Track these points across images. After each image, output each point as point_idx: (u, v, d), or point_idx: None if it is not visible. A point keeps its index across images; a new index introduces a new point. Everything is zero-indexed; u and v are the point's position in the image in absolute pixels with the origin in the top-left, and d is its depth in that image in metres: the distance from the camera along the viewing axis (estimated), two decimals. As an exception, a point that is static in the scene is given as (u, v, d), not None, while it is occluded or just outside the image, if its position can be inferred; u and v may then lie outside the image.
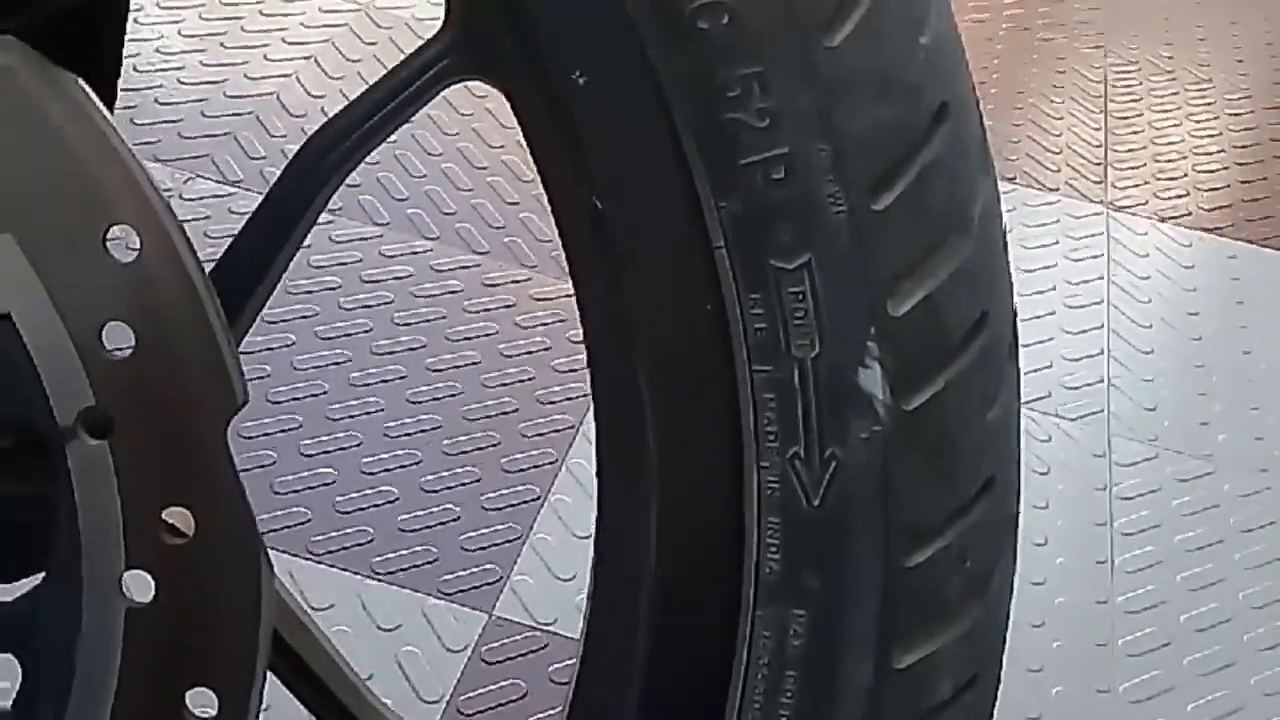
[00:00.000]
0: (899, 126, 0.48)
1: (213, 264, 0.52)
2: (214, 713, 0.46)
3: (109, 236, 0.44)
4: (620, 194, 0.50)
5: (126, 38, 0.68)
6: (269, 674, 0.48)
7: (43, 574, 0.45)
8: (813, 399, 0.49)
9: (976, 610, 0.51)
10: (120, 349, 0.44)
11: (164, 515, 0.45)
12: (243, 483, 0.45)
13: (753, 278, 0.48)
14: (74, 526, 0.44)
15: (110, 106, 0.69)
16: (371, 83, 0.52)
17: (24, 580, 0.46)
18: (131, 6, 0.70)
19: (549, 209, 0.53)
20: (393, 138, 1.83)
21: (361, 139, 0.53)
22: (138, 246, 0.44)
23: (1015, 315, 0.53)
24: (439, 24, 0.53)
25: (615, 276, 0.51)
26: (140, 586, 0.45)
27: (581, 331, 0.54)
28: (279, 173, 0.52)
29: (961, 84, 0.50)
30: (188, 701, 0.46)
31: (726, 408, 0.50)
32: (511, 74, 0.51)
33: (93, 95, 0.44)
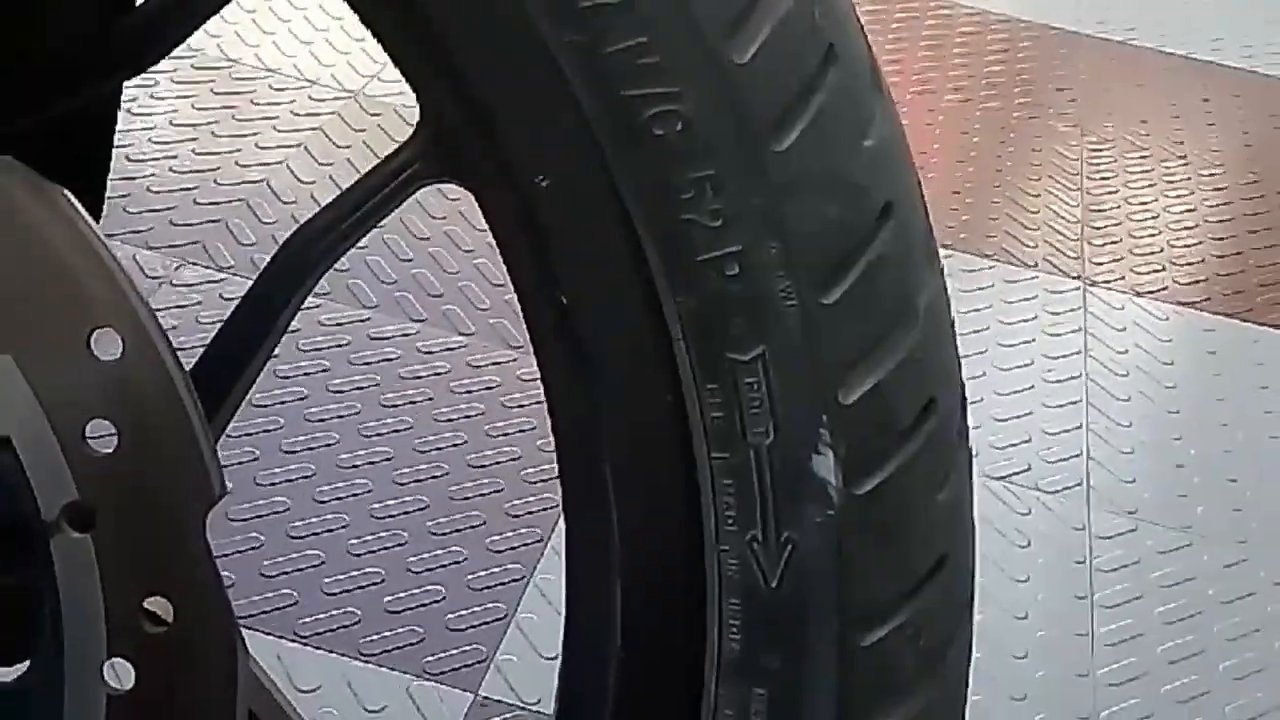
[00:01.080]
0: (845, 224, 0.50)
1: (196, 359, 0.54)
2: (192, 796, 0.47)
3: (93, 338, 0.46)
4: (584, 291, 0.52)
5: (114, 143, 0.70)
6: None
7: (26, 663, 0.47)
8: (769, 484, 0.51)
9: (932, 687, 0.53)
10: (103, 445, 0.46)
11: (145, 604, 0.47)
12: (219, 570, 0.47)
13: (710, 369, 0.51)
14: (57, 616, 0.46)
15: (99, 207, 0.72)
16: (346, 187, 0.55)
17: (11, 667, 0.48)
18: (123, 100, 0.73)
19: (519, 307, 0.55)
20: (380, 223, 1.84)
21: (337, 240, 0.55)
22: (120, 347, 0.46)
23: (964, 400, 0.55)
24: (411, 130, 0.55)
25: (581, 372, 0.53)
26: (121, 674, 0.47)
27: (550, 426, 0.57)
28: (257, 273, 0.54)
29: (906, 182, 0.53)
30: (167, 785, 0.47)
31: (687, 494, 0.52)
32: (479, 177, 0.53)
33: (78, 205, 0.46)
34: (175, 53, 0.61)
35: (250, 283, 0.54)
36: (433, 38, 0.51)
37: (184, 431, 0.47)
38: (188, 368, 0.52)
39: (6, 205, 0.45)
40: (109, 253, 0.46)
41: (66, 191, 0.46)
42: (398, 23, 0.52)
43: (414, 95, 0.54)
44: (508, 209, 0.53)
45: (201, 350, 0.54)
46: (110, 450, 0.46)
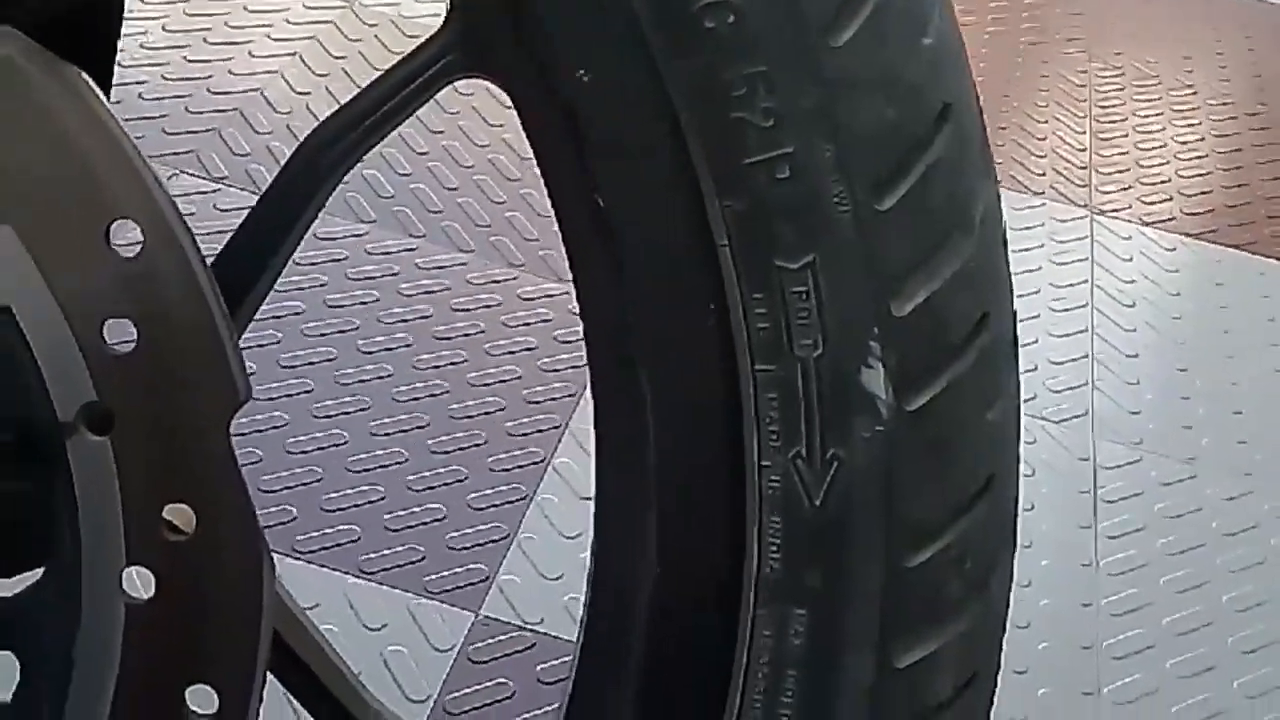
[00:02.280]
0: (902, 126, 0.48)
1: (213, 256, 0.52)
2: (214, 710, 0.45)
3: (112, 231, 0.43)
4: (623, 192, 0.50)
5: (121, 31, 0.67)
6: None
7: (41, 570, 0.45)
8: (815, 399, 0.49)
9: (976, 609, 0.51)
10: (122, 344, 0.44)
11: (165, 512, 0.45)
12: (245, 480, 0.45)
13: (756, 277, 0.48)
14: (74, 522, 0.44)
15: (107, 96, 0.69)
16: (373, 79, 0.52)
17: (22, 576, 0.46)
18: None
19: (550, 206, 0.53)
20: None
21: (363, 135, 0.52)
22: (141, 241, 0.43)
23: (1015, 317, 0.53)
24: (440, 20, 0.53)
25: (617, 275, 0.51)
26: (140, 583, 0.45)
27: (582, 330, 0.54)
28: (280, 166, 0.52)
29: (963, 85, 0.50)
30: (187, 698, 0.45)
31: (728, 407, 0.50)
32: (514, 71, 0.50)
33: (95, 88, 0.44)
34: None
35: (257, 176, 0.52)
36: (468, -80, 0.48)
37: (207, 331, 0.44)
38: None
39: (19, 82, 0.42)
40: (129, 139, 0.43)
41: (84, 73, 0.43)
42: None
43: (445, -17, 0.51)
44: (544, 105, 0.50)
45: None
46: (130, 349, 0.44)
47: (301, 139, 0.52)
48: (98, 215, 0.43)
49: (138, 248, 0.44)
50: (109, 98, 0.69)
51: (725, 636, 0.51)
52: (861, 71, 0.47)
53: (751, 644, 0.51)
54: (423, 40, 0.52)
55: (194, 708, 0.46)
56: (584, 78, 0.48)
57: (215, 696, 0.46)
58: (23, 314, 0.43)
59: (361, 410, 1.30)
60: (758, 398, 0.49)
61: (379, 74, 0.53)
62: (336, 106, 0.53)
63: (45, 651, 0.45)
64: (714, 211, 0.48)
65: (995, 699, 0.54)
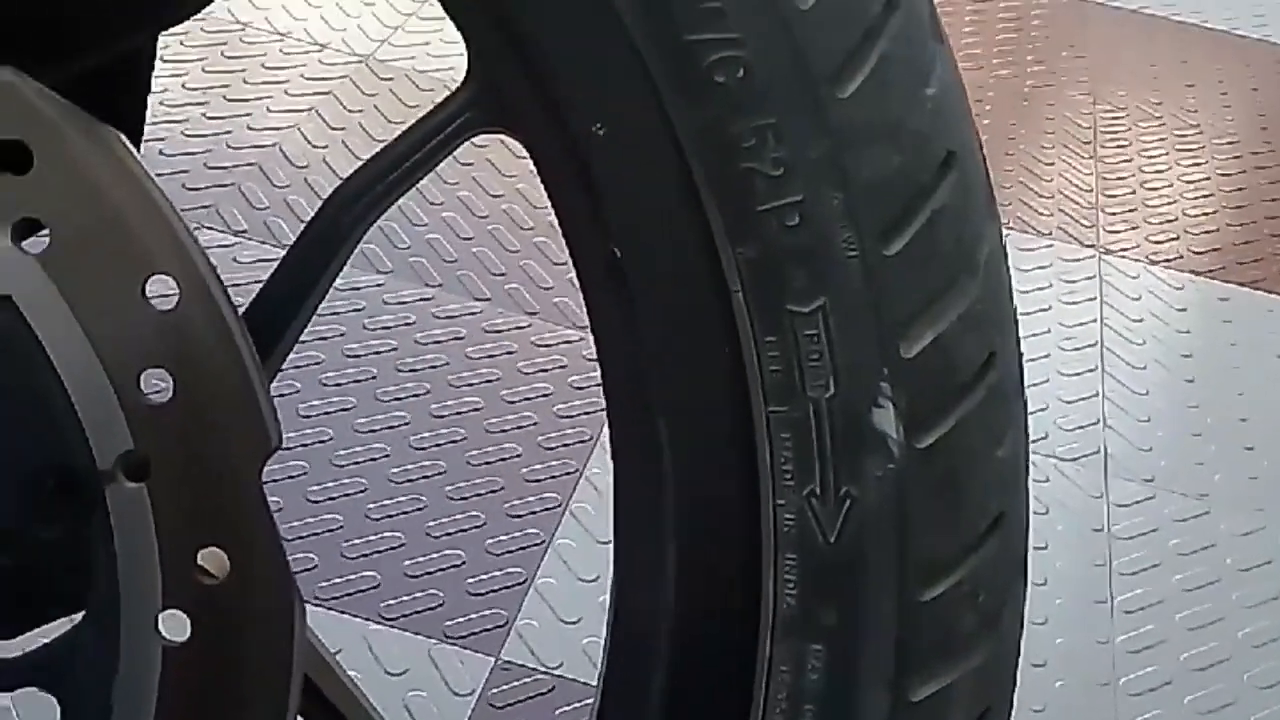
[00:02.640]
0: (908, 173, 0.49)
1: (244, 308, 0.53)
2: (248, 750, 0.47)
3: (148, 285, 0.45)
4: (639, 242, 0.51)
5: (149, 94, 0.70)
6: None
7: (81, 614, 0.46)
8: (828, 438, 0.50)
9: (989, 644, 0.53)
10: (158, 394, 0.45)
11: (199, 556, 0.46)
12: (277, 525, 0.46)
13: (769, 321, 0.50)
14: (112, 567, 0.46)
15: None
16: (397, 135, 0.54)
17: (62, 620, 0.47)
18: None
19: (568, 255, 0.55)
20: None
21: (387, 189, 0.54)
22: (176, 295, 0.45)
23: (1021, 355, 0.54)
24: (457, 76, 0.54)
25: (633, 324, 0.52)
26: (176, 626, 0.47)
27: (600, 377, 0.56)
28: (308, 220, 0.54)
29: (967, 132, 0.52)
30: (221, 739, 0.47)
31: (743, 448, 0.52)
32: (532, 126, 0.52)
33: (131, 148, 0.45)
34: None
35: (276, 230, 0.54)
36: (486, -17, 0.50)
37: (240, 381, 0.46)
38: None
39: (58, 144, 0.44)
40: (163, 196, 0.45)
41: (120, 134, 0.45)
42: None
43: (464, 42, 0.53)
44: (561, 158, 0.52)
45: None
46: (165, 399, 0.45)
47: (327, 194, 0.54)
48: (135, 270, 0.45)
49: (174, 300, 0.45)
50: (140, 151, 0.71)
51: (743, 673, 0.53)
52: (867, 122, 0.49)
53: (769, 680, 0.52)
54: (444, 98, 0.54)
55: (228, 747, 0.47)
56: (599, 131, 0.50)
57: (249, 736, 0.47)
58: (62, 365, 0.45)
59: (380, 458, 1.31)
60: (772, 438, 0.51)
61: (402, 130, 0.55)
62: (355, 160, 0.55)
63: (85, 694, 0.46)
64: (727, 259, 0.50)
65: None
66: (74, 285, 0.45)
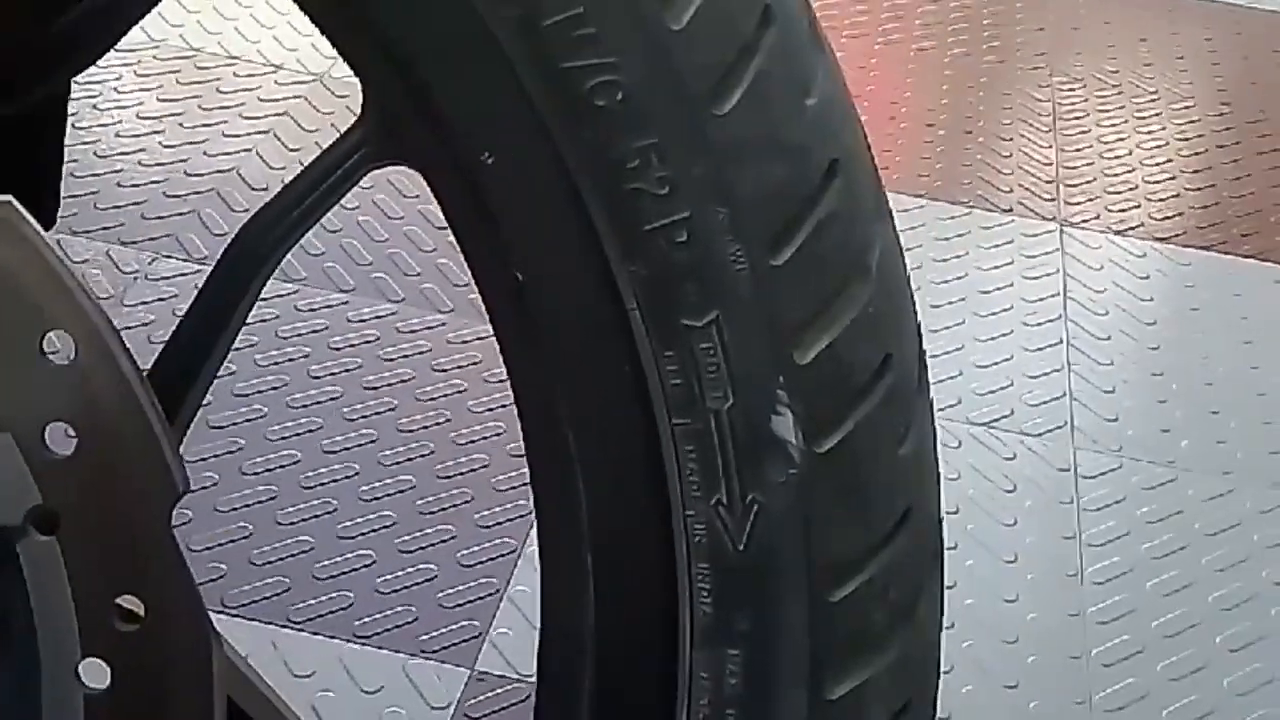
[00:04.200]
0: (791, 185, 0.50)
1: (155, 356, 0.54)
2: (175, 788, 0.48)
3: (46, 342, 0.46)
4: (537, 266, 0.52)
5: (67, 138, 0.70)
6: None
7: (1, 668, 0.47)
8: (730, 448, 0.51)
9: (904, 637, 0.54)
10: (63, 447, 0.46)
11: (115, 603, 0.47)
12: (188, 563, 0.47)
13: (665, 336, 0.51)
14: (29, 620, 0.46)
15: (55, 204, 0.72)
16: (295, 175, 0.55)
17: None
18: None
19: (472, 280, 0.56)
20: (354, 204, 1.84)
21: (291, 226, 0.55)
22: (73, 349, 0.46)
23: (922, 353, 0.55)
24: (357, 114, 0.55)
25: (538, 343, 0.53)
26: (96, 674, 0.48)
27: (513, 399, 0.57)
28: (211, 266, 0.55)
29: (851, 138, 0.53)
30: (149, 779, 0.48)
31: (651, 460, 0.53)
32: (425, 158, 0.53)
33: (22, 210, 0.46)
34: (138, 44, 0.60)
35: (206, 275, 0.55)
36: (370, 19, 0.51)
37: (142, 429, 0.47)
38: (149, 364, 0.52)
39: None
40: (55, 255, 0.46)
41: (10, 197, 0.46)
42: (335, 4, 0.52)
43: (357, 78, 0.54)
44: (455, 188, 0.53)
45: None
46: (70, 452, 0.46)
47: (230, 236, 0.55)
48: (31, 329, 0.46)
49: (71, 356, 0.46)
50: (58, 200, 0.72)
51: (666, 681, 0.54)
52: (747, 137, 0.50)
53: (691, 686, 0.53)
54: (340, 134, 0.55)
55: (157, 787, 0.48)
56: (488, 160, 0.51)
57: (176, 775, 0.48)
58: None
59: (349, 477, 1.32)
60: (678, 450, 0.52)
61: (302, 169, 0.56)
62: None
63: (9, 745, 0.47)
64: (621, 277, 0.51)
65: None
66: (-29, 347, 0.45)
